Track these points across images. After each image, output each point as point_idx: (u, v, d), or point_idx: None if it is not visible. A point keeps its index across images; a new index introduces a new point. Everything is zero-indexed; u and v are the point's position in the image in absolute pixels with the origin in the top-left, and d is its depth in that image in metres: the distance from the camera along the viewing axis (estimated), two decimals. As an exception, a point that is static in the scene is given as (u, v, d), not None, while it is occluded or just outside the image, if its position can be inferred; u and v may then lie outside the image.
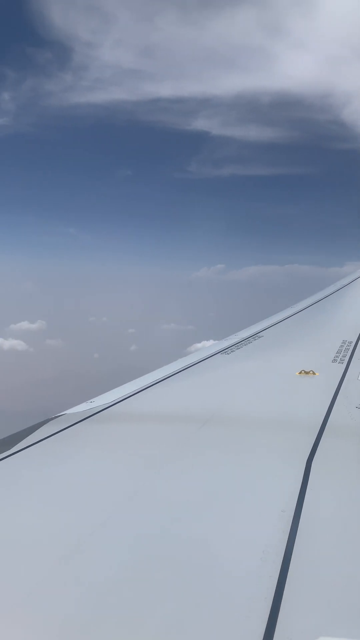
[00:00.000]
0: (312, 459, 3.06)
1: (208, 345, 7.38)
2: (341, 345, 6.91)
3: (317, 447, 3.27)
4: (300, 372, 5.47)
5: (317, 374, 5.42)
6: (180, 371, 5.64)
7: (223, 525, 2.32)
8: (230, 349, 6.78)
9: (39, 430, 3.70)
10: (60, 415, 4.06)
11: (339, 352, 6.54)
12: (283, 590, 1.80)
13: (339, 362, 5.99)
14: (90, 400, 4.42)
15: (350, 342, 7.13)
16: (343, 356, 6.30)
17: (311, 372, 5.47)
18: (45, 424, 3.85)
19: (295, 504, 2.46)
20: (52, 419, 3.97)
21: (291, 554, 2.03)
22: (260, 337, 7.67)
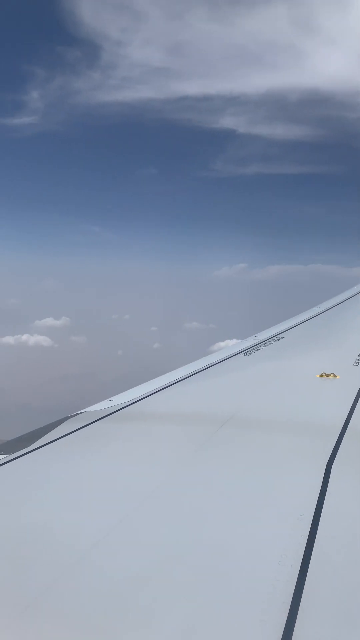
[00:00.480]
0: (332, 463, 3.01)
1: (229, 346, 7.36)
2: None
3: (337, 450, 3.22)
4: (320, 375, 5.40)
5: (338, 376, 5.35)
6: (199, 371, 5.62)
7: (241, 528, 2.30)
8: (250, 350, 6.74)
9: (58, 427, 3.74)
10: (79, 413, 4.10)
11: None
12: (301, 595, 1.77)
13: None
14: (110, 399, 4.45)
15: None
16: None
17: (332, 374, 5.40)
18: (64, 421, 3.89)
19: (314, 508, 2.43)
20: (71, 416, 4.01)
21: (310, 559, 2.00)
22: (280, 338, 7.61)
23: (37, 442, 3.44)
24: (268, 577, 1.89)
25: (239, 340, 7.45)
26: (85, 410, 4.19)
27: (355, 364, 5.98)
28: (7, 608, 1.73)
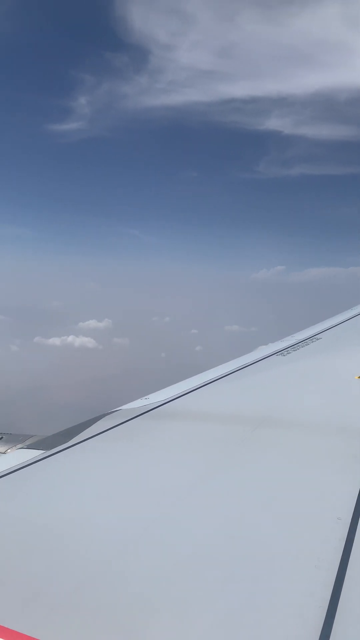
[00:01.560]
0: None
1: (266, 346, 7.29)
2: None
3: None
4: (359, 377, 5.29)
5: None
6: (235, 371, 5.60)
7: (277, 530, 2.27)
8: (287, 351, 6.65)
9: (95, 424, 3.83)
10: (115, 411, 4.18)
11: None
12: (338, 599, 1.74)
13: None
14: (145, 397, 4.50)
15: None
16: None
17: None
18: (101, 418, 3.98)
19: (352, 512, 2.37)
20: (107, 414, 4.09)
21: (347, 563, 1.96)
22: (318, 339, 7.47)
23: (74, 438, 3.52)
24: (304, 579, 1.87)
25: (272, 343, 7.37)
26: (122, 408, 4.28)
27: None
28: (44, 599, 1.77)
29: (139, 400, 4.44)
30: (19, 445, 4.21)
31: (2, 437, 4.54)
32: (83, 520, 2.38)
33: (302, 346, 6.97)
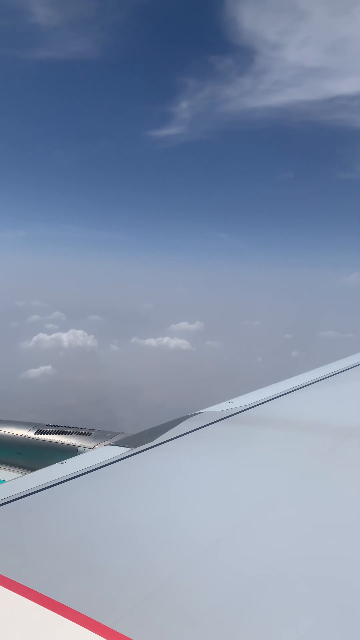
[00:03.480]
0: None
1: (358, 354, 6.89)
2: None
3: None
4: None
5: None
6: (325, 378, 5.36)
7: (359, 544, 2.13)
8: None
9: (178, 425, 3.87)
10: (198, 413, 4.20)
11: None
12: None
13: None
14: (229, 401, 4.46)
15: None
16: None
17: None
18: (184, 420, 4.01)
19: None
20: (191, 415, 4.12)
21: None
22: None
23: (158, 438, 3.58)
24: None
25: None
26: (205, 410, 4.28)
27: None
28: (128, 595, 1.78)
29: (222, 403, 4.41)
30: (107, 442, 4.39)
31: (90, 433, 4.76)
32: (166, 520, 2.39)
33: None
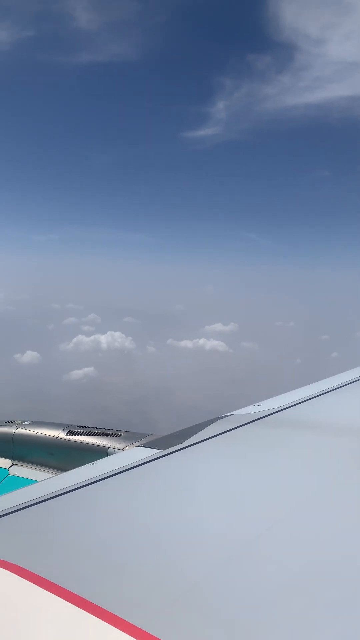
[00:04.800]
0: None
1: None
2: None
3: None
4: None
5: None
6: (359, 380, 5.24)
7: None
8: None
9: (208, 427, 3.84)
10: (228, 415, 4.16)
11: None
12: None
13: None
14: (259, 404, 4.40)
15: None
16: None
17: None
18: (214, 422, 3.98)
19: None
20: (220, 418, 4.08)
21: None
22: None
23: (187, 440, 3.57)
24: None
25: None
26: (234, 412, 4.23)
27: None
28: (155, 598, 1.77)
29: (252, 406, 4.35)
30: (136, 443, 4.41)
31: (120, 435, 4.79)
32: (195, 521, 2.37)
33: None
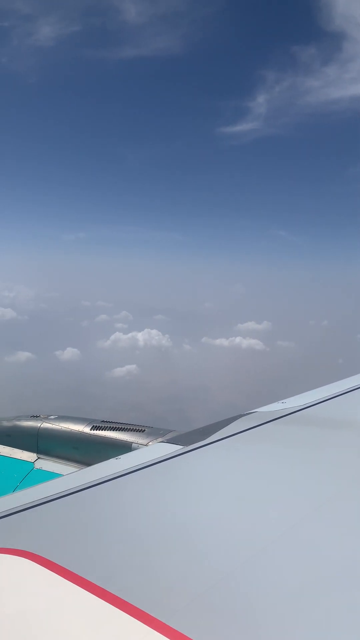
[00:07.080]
0: None
1: None
2: None
3: None
4: None
5: None
6: None
7: None
8: None
9: (231, 424, 3.81)
10: (251, 413, 4.11)
11: None
12: None
13: None
14: (282, 401, 4.33)
15: None
16: None
17: None
18: (237, 419, 3.94)
19: None
20: (243, 415, 4.04)
21: None
22: None
23: (211, 436, 3.55)
24: None
25: None
26: (257, 410, 4.18)
27: None
28: (179, 593, 1.76)
29: (276, 403, 4.29)
30: (160, 439, 4.42)
31: (144, 430, 4.81)
32: (218, 517, 2.35)
33: None
